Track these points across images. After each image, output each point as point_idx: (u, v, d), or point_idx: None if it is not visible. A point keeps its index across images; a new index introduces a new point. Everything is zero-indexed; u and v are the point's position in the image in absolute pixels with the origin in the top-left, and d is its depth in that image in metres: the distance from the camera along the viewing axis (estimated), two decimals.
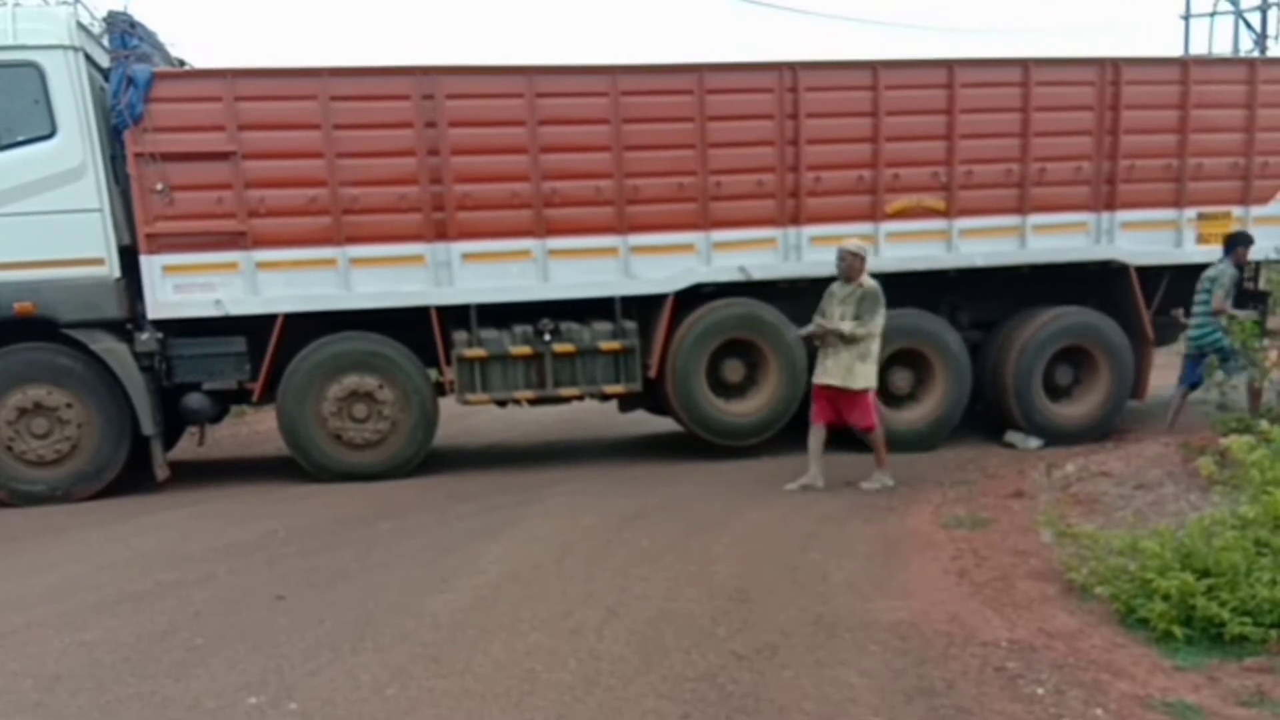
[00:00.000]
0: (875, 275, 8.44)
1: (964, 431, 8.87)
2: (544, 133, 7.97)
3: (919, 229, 8.54)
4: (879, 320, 7.11)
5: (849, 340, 7.04)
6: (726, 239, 8.30)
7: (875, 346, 7.18)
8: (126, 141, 7.49)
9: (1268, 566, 4.10)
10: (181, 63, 8.71)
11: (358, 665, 4.04)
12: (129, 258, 7.64)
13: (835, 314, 7.19)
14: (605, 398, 8.80)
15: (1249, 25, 24.10)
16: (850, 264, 7.19)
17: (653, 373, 8.39)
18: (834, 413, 7.28)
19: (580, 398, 8.63)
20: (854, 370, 7.11)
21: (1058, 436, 8.66)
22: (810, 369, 8.59)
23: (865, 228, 8.45)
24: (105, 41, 7.82)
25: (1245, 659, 3.86)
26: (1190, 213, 8.86)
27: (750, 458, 8.46)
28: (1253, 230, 8.93)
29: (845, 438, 8.70)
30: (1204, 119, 8.75)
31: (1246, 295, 9.61)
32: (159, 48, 8.26)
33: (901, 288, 8.58)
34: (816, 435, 7.34)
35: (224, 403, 8.56)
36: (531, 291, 8.14)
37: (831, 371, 7.18)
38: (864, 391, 7.16)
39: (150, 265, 7.63)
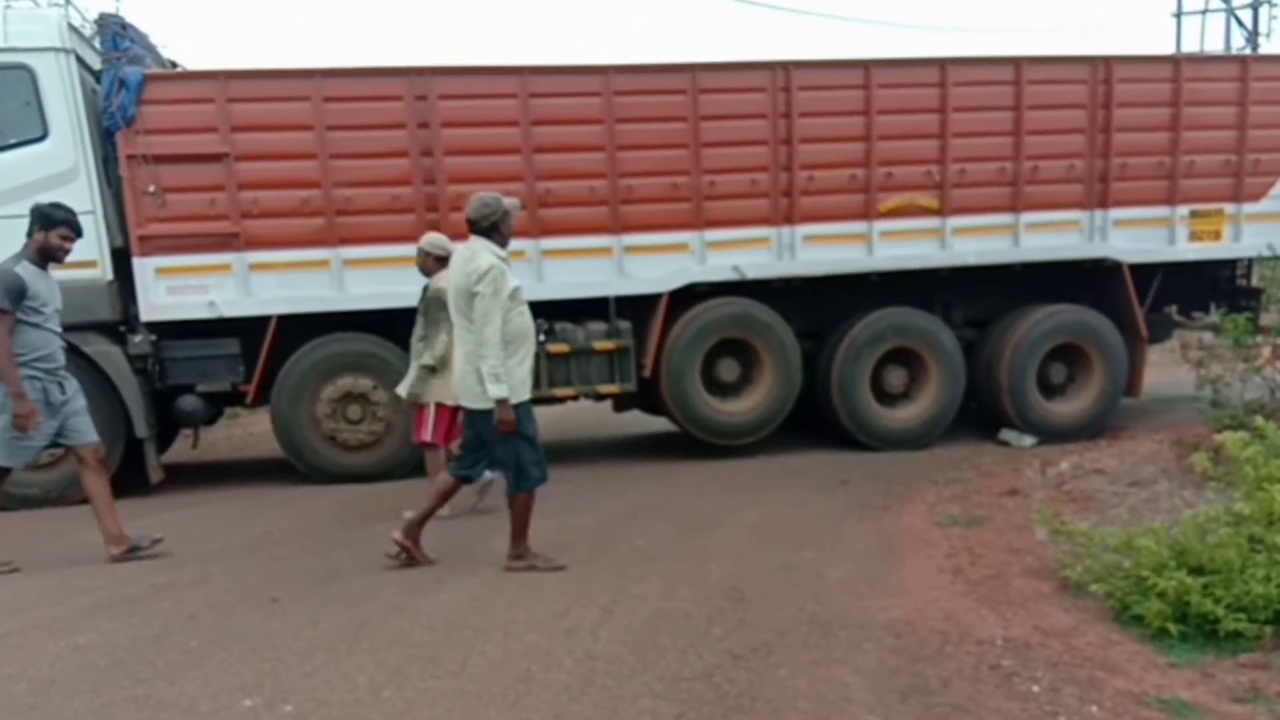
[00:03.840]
0: (871, 274, 8.55)
1: (958, 430, 8.88)
2: (537, 133, 7.97)
3: (912, 227, 8.56)
4: (443, 335, 6.32)
5: (422, 352, 6.50)
6: (720, 238, 8.30)
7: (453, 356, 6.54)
8: (119, 144, 7.47)
9: (1262, 563, 4.10)
10: (173, 64, 8.69)
11: (353, 667, 4.03)
12: (122, 260, 7.63)
13: (416, 322, 6.65)
14: (600, 398, 8.79)
15: (1240, 23, 24.22)
16: (423, 261, 6.59)
17: (647, 372, 8.39)
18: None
19: (575, 398, 8.62)
20: (410, 381, 6.58)
21: (1052, 434, 8.68)
22: (805, 368, 8.63)
23: (859, 226, 8.47)
24: (97, 43, 7.79)
25: (1240, 655, 3.87)
26: (1183, 210, 8.88)
27: (745, 457, 8.46)
28: (1245, 227, 8.98)
29: (841, 436, 8.74)
30: (1196, 116, 8.78)
31: (1239, 292, 9.66)
32: (151, 50, 8.24)
33: (895, 286, 8.63)
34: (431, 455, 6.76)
35: (218, 405, 8.54)
36: (526, 292, 8.08)
37: (402, 383, 6.69)
38: (421, 406, 6.56)
39: (143, 267, 7.61)
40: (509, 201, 5.27)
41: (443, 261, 6.52)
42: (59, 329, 5.67)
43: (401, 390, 6.68)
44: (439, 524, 6.56)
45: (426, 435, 6.60)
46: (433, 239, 6.70)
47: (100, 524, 5.77)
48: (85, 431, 5.79)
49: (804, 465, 8.15)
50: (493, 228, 5.15)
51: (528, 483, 5.29)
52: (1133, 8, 49.44)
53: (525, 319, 5.24)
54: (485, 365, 4.98)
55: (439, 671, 3.95)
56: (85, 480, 5.76)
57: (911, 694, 3.63)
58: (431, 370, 6.46)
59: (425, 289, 6.60)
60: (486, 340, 4.98)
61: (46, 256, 5.59)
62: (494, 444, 5.24)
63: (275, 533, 6.49)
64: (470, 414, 5.27)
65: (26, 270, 5.46)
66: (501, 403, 5.02)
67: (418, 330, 6.62)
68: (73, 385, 5.76)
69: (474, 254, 5.10)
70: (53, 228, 5.55)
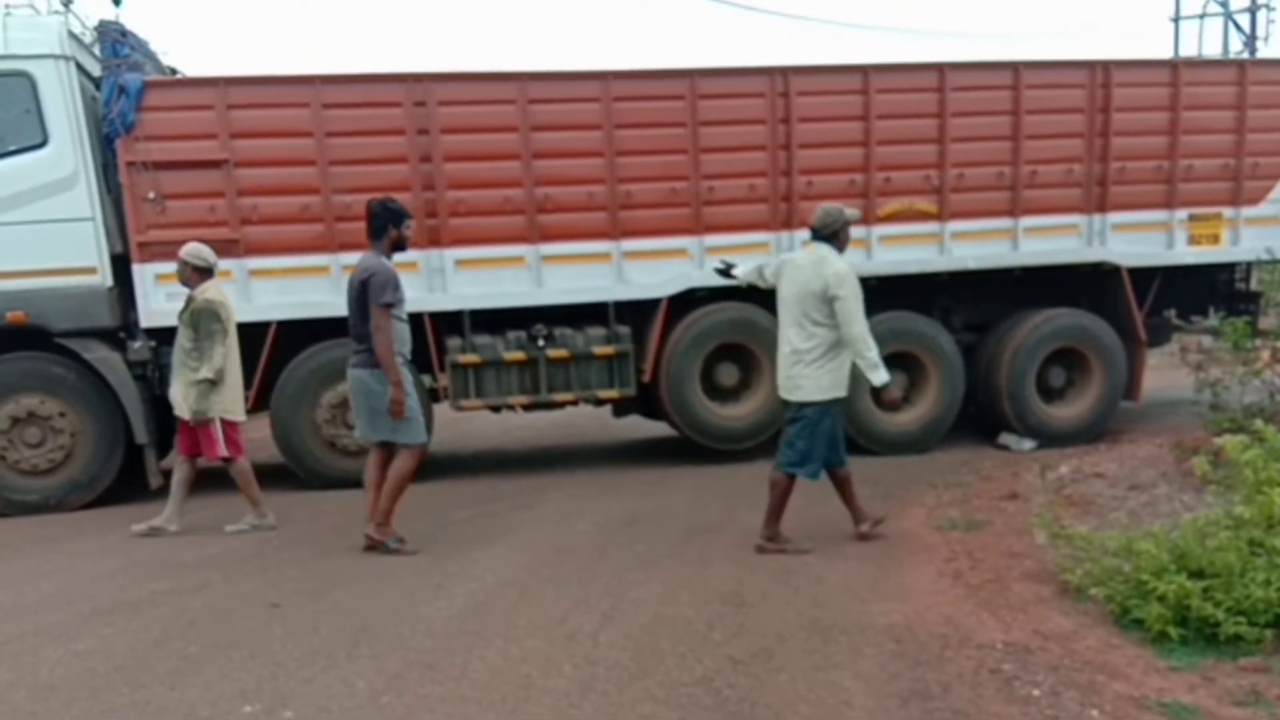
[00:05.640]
0: (869, 278, 8.53)
1: (958, 434, 8.88)
2: (536, 138, 7.98)
3: (911, 232, 8.57)
4: (219, 347, 6.39)
5: (193, 368, 6.42)
6: (719, 243, 8.29)
7: (232, 370, 6.57)
8: (118, 150, 7.49)
9: (1262, 566, 4.10)
10: (173, 71, 8.71)
11: (353, 673, 4.03)
12: (121, 266, 7.64)
13: (179, 335, 6.55)
14: (599, 403, 8.79)
15: (1238, 27, 24.24)
16: (181, 272, 6.51)
17: (647, 377, 8.39)
18: (194, 444, 6.63)
19: (574, 403, 8.63)
20: (191, 398, 6.44)
21: (1051, 438, 8.68)
22: None
23: (857, 231, 8.41)
24: (96, 50, 7.81)
25: (1240, 659, 3.87)
26: (1181, 214, 8.90)
27: (745, 462, 8.44)
28: (1244, 231, 8.99)
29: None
30: (1194, 120, 8.79)
31: (1238, 296, 9.66)
32: (150, 56, 8.26)
33: (894, 291, 8.63)
34: (179, 469, 6.73)
35: None
36: (525, 297, 8.14)
37: (175, 400, 6.55)
38: (206, 423, 6.48)
39: (143, 273, 7.62)
40: (850, 213, 5.65)
41: (203, 273, 6.52)
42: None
43: (181, 411, 6.51)
44: (440, 530, 6.58)
45: (222, 450, 6.55)
46: (192, 248, 6.56)
47: (382, 504, 5.98)
48: None
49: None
50: (833, 235, 5.57)
51: (802, 470, 5.65)
52: (1130, 12, 49.56)
53: None
54: (863, 359, 5.45)
55: (439, 677, 3.95)
56: (397, 461, 5.96)
57: (911, 699, 3.63)
58: (211, 384, 6.41)
59: (189, 300, 6.49)
60: (858, 337, 5.43)
61: (396, 250, 5.94)
62: (790, 424, 5.64)
63: (275, 538, 6.50)
64: (794, 405, 5.63)
65: (391, 266, 5.83)
66: (885, 387, 5.55)
67: (183, 344, 6.49)
68: None
69: (823, 259, 5.49)
70: (402, 222, 5.90)
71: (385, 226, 5.83)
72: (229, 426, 6.61)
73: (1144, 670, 3.83)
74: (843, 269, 5.44)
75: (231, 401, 6.61)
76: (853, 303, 5.41)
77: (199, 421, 6.49)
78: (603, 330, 8.30)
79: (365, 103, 7.83)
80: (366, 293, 5.69)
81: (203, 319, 6.40)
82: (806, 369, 5.50)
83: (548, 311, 8.19)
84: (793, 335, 5.56)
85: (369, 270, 5.72)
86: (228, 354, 6.53)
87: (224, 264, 7.69)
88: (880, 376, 5.47)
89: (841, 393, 5.62)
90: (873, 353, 5.45)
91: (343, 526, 6.76)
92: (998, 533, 5.95)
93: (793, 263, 5.68)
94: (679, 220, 8.25)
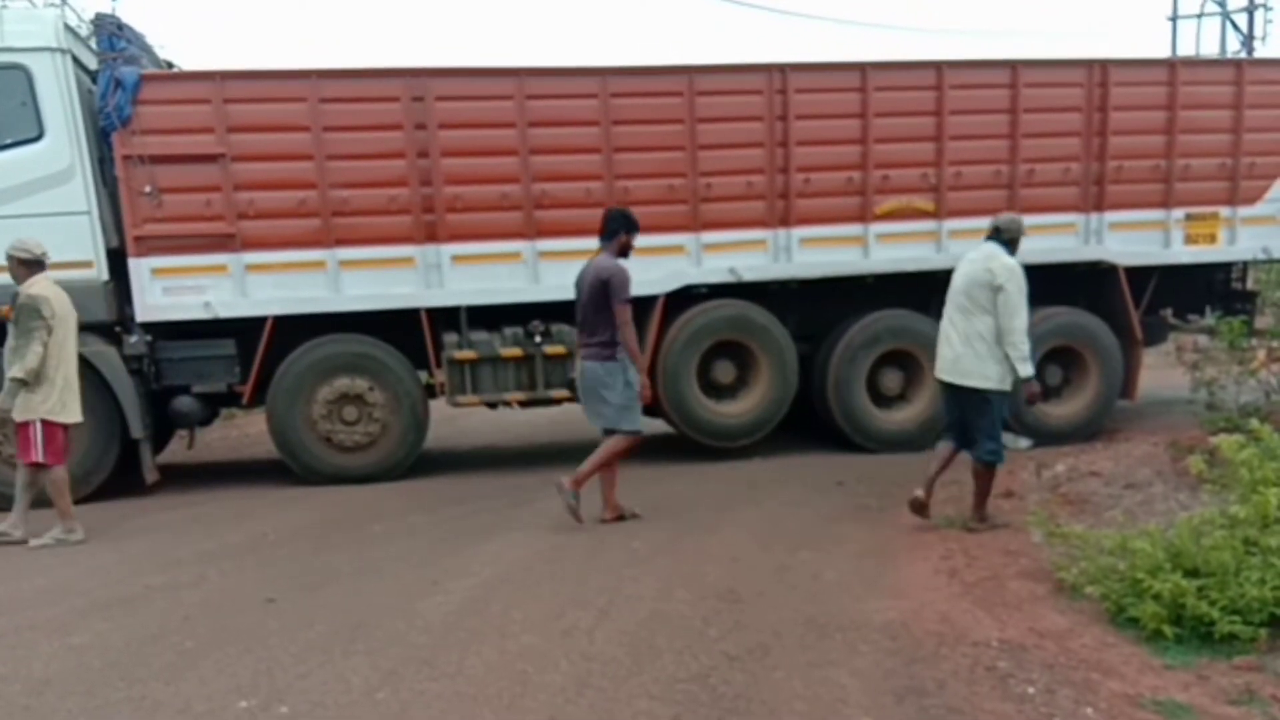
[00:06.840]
0: (867, 276, 8.55)
1: None
2: (534, 135, 7.97)
3: (908, 230, 8.57)
4: (35, 346, 6.15)
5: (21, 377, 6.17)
6: (717, 240, 8.31)
7: (62, 370, 6.35)
8: (114, 144, 7.46)
9: (1257, 565, 4.11)
10: (169, 65, 8.68)
11: (349, 668, 4.03)
12: (118, 260, 7.62)
13: (9, 332, 6.35)
14: None
15: (1236, 26, 24.29)
16: (10, 268, 6.32)
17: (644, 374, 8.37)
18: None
19: (572, 399, 8.62)
20: (7, 395, 6.25)
21: (1048, 436, 8.67)
22: (801, 370, 8.62)
23: (855, 229, 8.48)
24: (93, 44, 7.80)
25: (1234, 657, 3.87)
26: (1178, 213, 8.91)
27: (741, 459, 8.46)
28: (1241, 231, 9.00)
29: (837, 438, 8.74)
30: (1192, 120, 8.80)
31: (1234, 295, 9.68)
32: (147, 50, 8.24)
33: (891, 289, 8.64)
34: (19, 474, 6.50)
35: (214, 406, 8.53)
36: (522, 293, 8.13)
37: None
38: (24, 424, 6.26)
39: (139, 268, 7.61)
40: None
41: (30, 266, 6.34)
42: None
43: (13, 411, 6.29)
44: (436, 526, 6.57)
45: (36, 456, 6.29)
46: (16, 242, 6.40)
47: (584, 468, 6.36)
48: None
49: (800, 467, 8.15)
50: (1011, 241, 6.02)
51: (995, 457, 5.94)
52: (1129, 11, 49.59)
53: None
54: (1015, 350, 5.75)
55: (435, 673, 3.95)
56: (612, 439, 6.34)
57: (907, 696, 3.64)
58: (23, 384, 6.18)
59: (15, 297, 6.27)
60: (1016, 329, 5.76)
61: (620, 255, 6.29)
62: (975, 418, 5.92)
63: (271, 534, 6.49)
64: (962, 392, 5.93)
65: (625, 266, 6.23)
66: (1028, 380, 5.81)
67: (9, 342, 6.31)
68: None
69: (994, 254, 5.90)
70: (634, 230, 6.33)
71: (619, 231, 6.25)
72: (52, 430, 6.34)
73: (1139, 668, 3.84)
74: (1011, 264, 5.82)
75: (58, 403, 6.33)
76: (1016, 296, 5.74)
77: (22, 422, 6.26)
78: None
79: (363, 97, 7.81)
80: (607, 290, 6.05)
81: (22, 315, 6.18)
82: (977, 357, 5.81)
83: (545, 307, 8.17)
84: (958, 319, 5.92)
85: (609, 270, 6.11)
86: (54, 353, 6.28)
87: (220, 258, 7.73)
88: (1027, 370, 5.77)
89: (1007, 386, 5.87)
90: (1025, 346, 5.76)
91: (338, 522, 6.76)
92: (994, 531, 5.96)
93: (964, 257, 6.12)
94: (676, 217, 8.24)
